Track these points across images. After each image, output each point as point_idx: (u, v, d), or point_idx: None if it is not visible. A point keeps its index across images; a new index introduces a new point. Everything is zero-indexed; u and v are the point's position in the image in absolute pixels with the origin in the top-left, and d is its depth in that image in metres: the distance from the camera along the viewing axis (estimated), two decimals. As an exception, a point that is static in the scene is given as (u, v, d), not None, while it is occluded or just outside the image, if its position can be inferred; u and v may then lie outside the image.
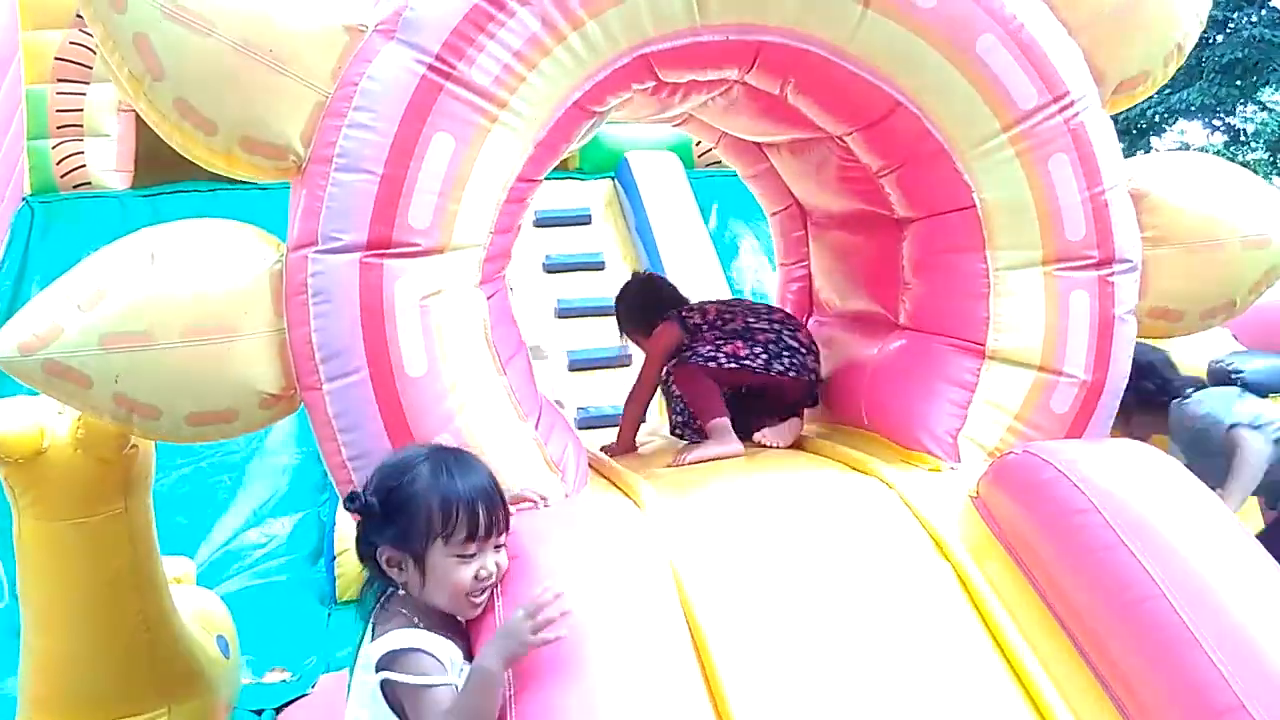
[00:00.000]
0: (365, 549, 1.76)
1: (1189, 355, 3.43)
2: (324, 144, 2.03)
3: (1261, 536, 2.29)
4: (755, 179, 3.41)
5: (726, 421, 2.72)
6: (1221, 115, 15.92)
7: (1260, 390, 3.34)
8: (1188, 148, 16.67)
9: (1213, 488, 2.18)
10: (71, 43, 6.33)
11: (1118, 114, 2.56)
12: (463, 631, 1.77)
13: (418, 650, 1.64)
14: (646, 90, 2.40)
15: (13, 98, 6.05)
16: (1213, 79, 13.67)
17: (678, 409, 2.96)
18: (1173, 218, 2.50)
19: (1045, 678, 1.92)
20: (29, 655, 2.68)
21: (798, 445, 2.78)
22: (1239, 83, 14.42)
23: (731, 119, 3.01)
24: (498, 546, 1.79)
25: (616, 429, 3.37)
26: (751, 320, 2.85)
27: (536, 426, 2.23)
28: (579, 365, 5.43)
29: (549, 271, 5.82)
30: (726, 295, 4.92)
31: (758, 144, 3.23)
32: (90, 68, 6.32)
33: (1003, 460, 2.28)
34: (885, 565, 2.14)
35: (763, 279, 6.01)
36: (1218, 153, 16.49)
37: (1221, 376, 3.36)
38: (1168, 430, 3.36)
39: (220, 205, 5.39)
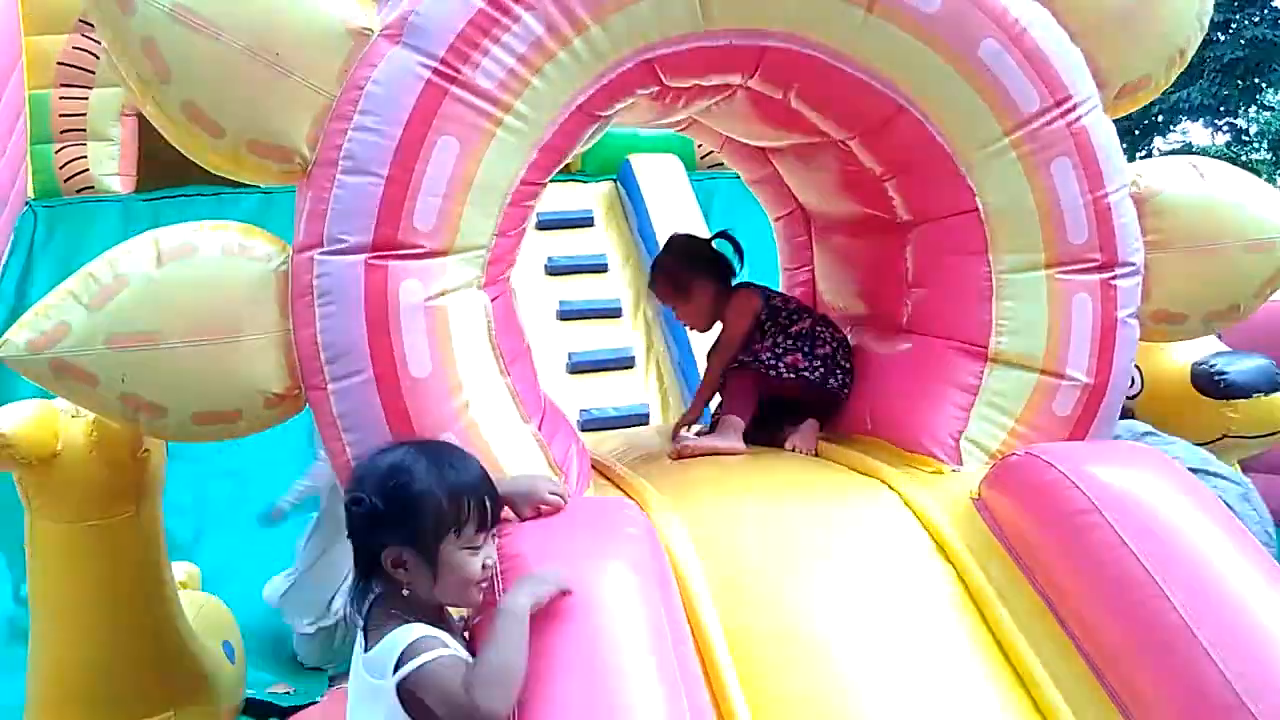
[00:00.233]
0: (368, 553, 1.73)
1: (1173, 356, 3.43)
2: (329, 147, 2.05)
3: None
4: (759, 184, 3.42)
5: (740, 422, 2.75)
6: (1224, 115, 15.89)
7: (1244, 391, 3.34)
8: (1191, 148, 16.62)
9: None
10: (74, 47, 6.33)
11: (1119, 115, 2.56)
12: (455, 628, 1.78)
13: (425, 638, 1.64)
14: (650, 95, 2.40)
15: (15, 102, 6.05)
16: (1214, 78, 13.67)
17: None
18: (1176, 221, 2.50)
19: (1047, 678, 1.93)
20: (38, 657, 2.69)
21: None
22: (1240, 83, 14.41)
23: (735, 124, 3.01)
24: (494, 535, 1.81)
25: (616, 430, 3.39)
26: (820, 329, 2.87)
27: (540, 428, 2.24)
28: (581, 367, 5.42)
29: (551, 274, 5.80)
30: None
31: (761, 148, 3.24)
32: (93, 72, 6.32)
33: (1004, 462, 2.28)
34: (887, 566, 2.15)
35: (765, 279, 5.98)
36: (1221, 153, 16.47)
37: (1205, 378, 3.36)
38: None
39: (223, 209, 5.40)
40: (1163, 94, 2.62)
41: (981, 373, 2.44)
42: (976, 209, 2.41)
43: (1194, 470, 2.42)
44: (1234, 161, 15.54)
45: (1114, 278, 2.41)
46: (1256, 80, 14.26)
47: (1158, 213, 2.49)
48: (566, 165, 2.39)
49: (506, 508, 1.95)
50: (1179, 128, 16.80)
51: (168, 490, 2.84)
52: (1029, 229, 2.39)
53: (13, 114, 5.98)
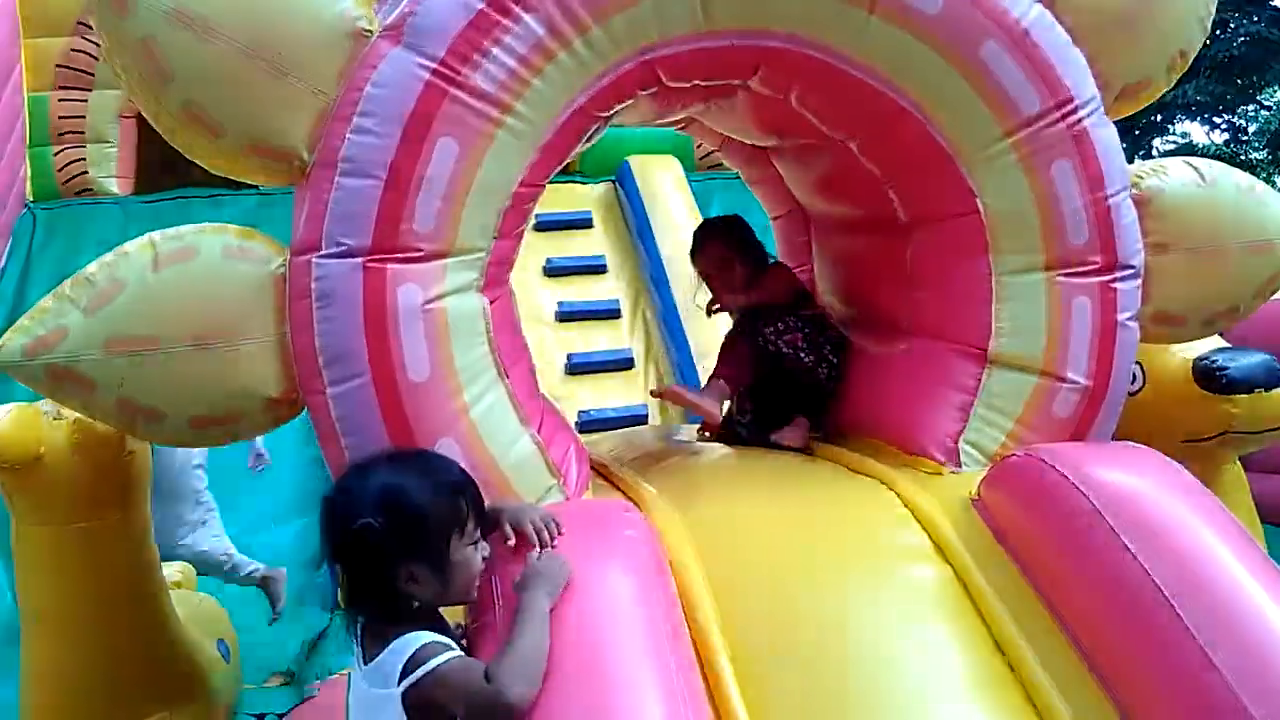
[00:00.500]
0: (377, 575, 1.69)
1: (1175, 353, 3.42)
2: (329, 148, 2.04)
3: None
4: (758, 184, 3.42)
5: (726, 389, 2.86)
6: (1222, 113, 15.85)
7: (1246, 387, 3.33)
8: (1192, 147, 16.60)
9: None
10: (73, 49, 6.34)
11: (1120, 117, 2.56)
12: (449, 628, 1.78)
13: (432, 643, 1.63)
14: (650, 95, 2.40)
15: (14, 104, 6.05)
16: (1210, 76, 13.64)
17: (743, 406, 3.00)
18: (1177, 223, 2.50)
19: (1046, 679, 1.92)
20: (29, 660, 2.67)
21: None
22: (1239, 81, 14.37)
23: (735, 124, 3.01)
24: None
25: (615, 431, 3.39)
26: (826, 321, 2.95)
27: (539, 430, 2.23)
28: (579, 369, 5.42)
29: (549, 275, 5.81)
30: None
31: (761, 148, 3.24)
32: (92, 74, 6.33)
33: (1004, 463, 2.28)
34: (886, 567, 2.15)
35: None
36: (1219, 151, 16.45)
37: (1207, 374, 3.36)
38: None
39: (221, 210, 5.41)
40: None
41: (981, 374, 2.44)
42: (977, 210, 2.40)
43: None
44: (1232, 160, 15.55)
45: (1114, 280, 2.41)
46: (1255, 79, 14.20)
47: (1158, 215, 2.49)
48: (565, 167, 2.38)
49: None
50: (1177, 128, 16.76)
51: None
52: (1029, 231, 2.38)
53: (12, 116, 5.99)
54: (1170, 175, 2.53)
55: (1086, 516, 2.00)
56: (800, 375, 2.84)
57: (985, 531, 2.18)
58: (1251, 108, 16.52)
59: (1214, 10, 2.51)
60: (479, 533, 1.79)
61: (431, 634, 1.66)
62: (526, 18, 2.06)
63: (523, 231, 2.30)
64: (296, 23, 2.02)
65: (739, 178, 3.59)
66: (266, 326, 2.07)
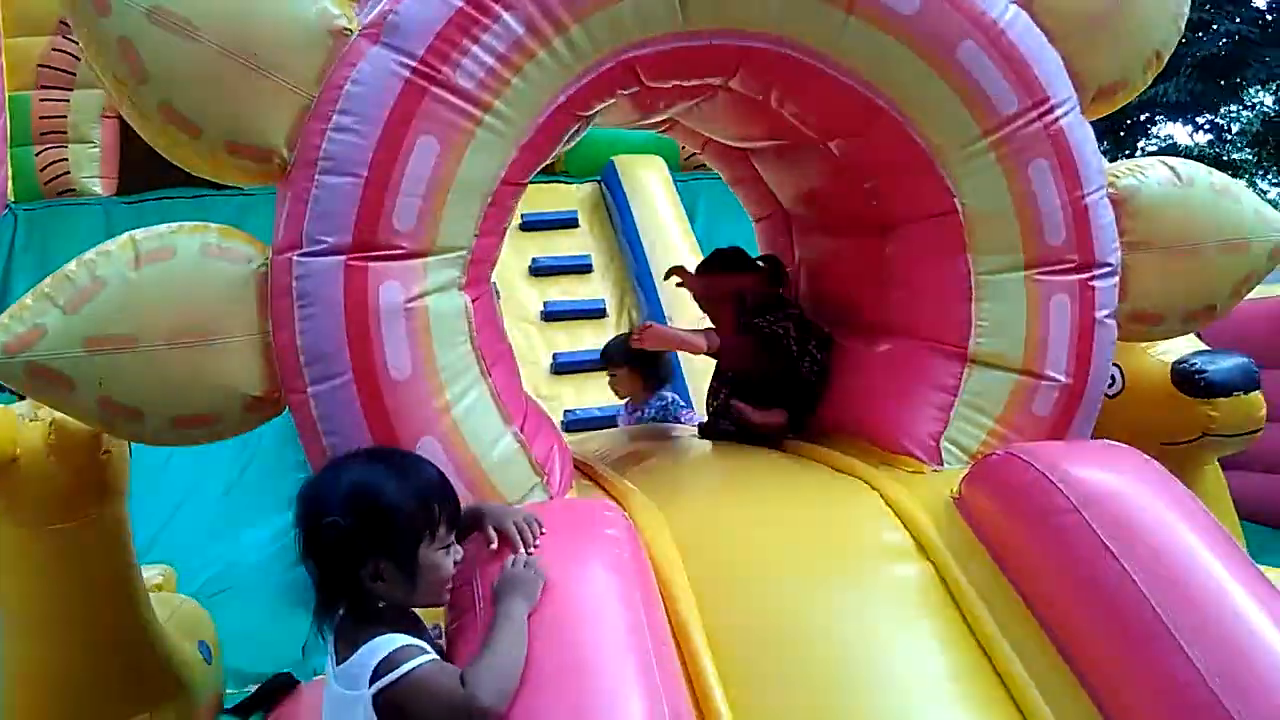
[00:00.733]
0: (341, 571, 1.70)
1: (1154, 356, 3.45)
2: (308, 147, 2.03)
3: None
4: (740, 185, 3.42)
5: (716, 339, 2.90)
6: (1203, 113, 15.89)
7: (1224, 390, 3.36)
8: (1175, 148, 16.66)
9: None
10: (55, 49, 6.31)
11: (1101, 116, 2.58)
12: (429, 634, 1.78)
13: (406, 646, 1.63)
14: (631, 95, 2.40)
15: (-5, 104, 6.03)
16: (1191, 75, 13.69)
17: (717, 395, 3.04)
18: (1152, 222, 2.52)
19: (1026, 677, 1.93)
20: (7, 662, 2.66)
21: (781, 447, 2.80)
22: (1221, 83, 14.41)
23: (716, 125, 3.02)
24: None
25: (600, 431, 3.39)
26: (812, 323, 2.97)
27: (522, 428, 2.23)
28: (565, 368, 5.42)
29: (534, 275, 5.80)
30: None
31: (742, 150, 3.25)
32: (74, 74, 6.30)
33: (984, 461, 2.29)
34: (868, 566, 2.16)
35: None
36: (1202, 152, 16.52)
37: (1185, 377, 3.38)
38: None
39: (205, 211, 5.34)
40: (1140, 92, 2.63)
41: (961, 373, 2.45)
42: (955, 210, 2.41)
43: None
44: (1216, 160, 15.61)
45: (1092, 278, 2.42)
46: (1237, 79, 14.23)
47: (1134, 214, 2.51)
48: (550, 166, 2.39)
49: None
50: (1158, 129, 16.81)
51: (139, 493, 2.82)
52: (1007, 230, 2.40)
53: (-8, 116, 5.95)
54: (1146, 175, 2.55)
55: (1065, 514, 2.01)
56: (785, 361, 2.85)
57: (966, 530, 2.19)
58: (1234, 108, 16.58)
59: (1187, 10, 2.52)
60: (452, 537, 1.78)
61: (405, 637, 1.65)
62: (506, 16, 2.06)
63: (505, 229, 2.30)
64: (276, 22, 2.02)
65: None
66: (247, 325, 2.07)
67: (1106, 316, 2.46)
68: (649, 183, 6.25)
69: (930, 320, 2.53)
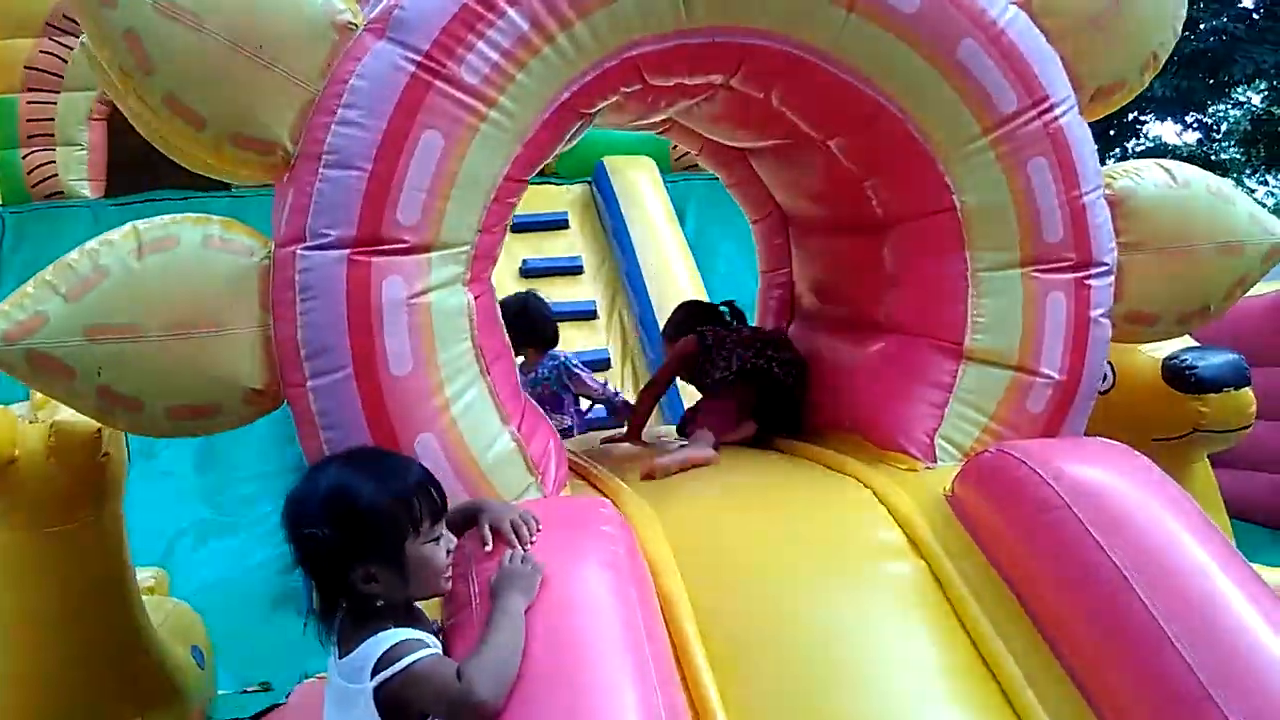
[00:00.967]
0: (333, 578, 1.70)
1: (1145, 352, 3.47)
2: (313, 140, 2.03)
3: None
4: (737, 186, 3.43)
5: (712, 436, 2.78)
6: (1191, 111, 15.94)
7: (1214, 386, 3.38)
8: (1165, 147, 16.74)
9: None
10: (42, 51, 6.28)
11: (1095, 118, 2.60)
12: (429, 626, 1.78)
13: (407, 640, 1.63)
14: (633, 93, 2.41)
15: (-18, 107, 6.00)
16: (1177, 72, 13.77)
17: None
18: (1148, 223, 2.53)
19: (1019, 673, 1.94)
20: (0, 664, 2.64)
21: (775, 446, 2.81)
22: (1209, 82, 14.46)
23: (716, 124, 3.03)
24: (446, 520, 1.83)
25: (595, 434, 3.39)
26: (748, 334, 3.02)
27: (519, 428, 2.23)
28: (556, 370, 5.41)
29: (525, 276, 5.80)
30: (703, 297, 4.96)
31: (740, 151, 3.26)
32: (61, 76, 6.27)
33: (976, 459, 2.30)
34: (862, 563, 2.16)
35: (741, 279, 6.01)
36: (1191, 151, 16.61)
37: (1176, 373, 3.41)
38: None
39: (192, 212, 5.35)
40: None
41: (956, 370, 2.46)
42: (954, 207, 2.43)
43: None
44: (1205, 160, 15.67)
45: (1087, 277, 2.44)
46: (1224, 76, 14.26)
47: (1130, 214, 2.53)
48: (541, 167, 2.39)
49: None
50: (1147, 128, 16.85)
51: (135, 494, 2.80)
52: (1005, 227, 2.41)
53: (-20, 119, 5.92)
54: (1143, 176, 2.57)
55: (1056, 510, 2.02)
56: (757, 376, 2.88)
57: (959, 527, 2.20)
58: (1222, 106, 16.66)
59: (1184, 12, 2.54)
60: (438, 529, 1.77)
61: (407, 631, 1.66)
62: (510, 12, 2.07)
63: (506, 226, 2.30)
64: (281, 15, 2.02)
65: (714, 178, 3.61)
66: (249, 317, 2.06)
67: (1101, 315, 2.47)
68: (639, 184, 6.26)
69: (926, 317, 2.55)
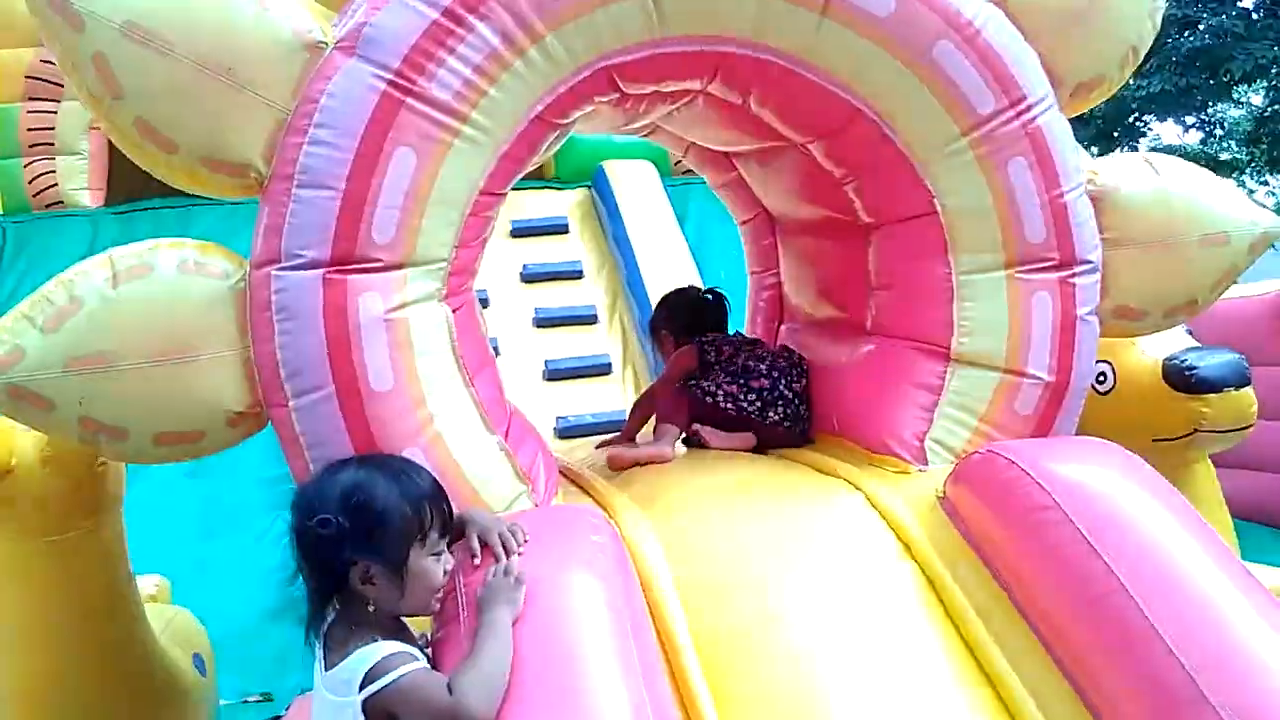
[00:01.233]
0: (332, 572, 1.71)
1: (1145, 353, 3.45)
2: (285, 161, 2.03)
3: None
4: (724, 188, 3.43)
5: (675, 430, 2.82)
6: (1193, 110, 15.89)
7: (1215, 386, 3.37)
8: (1167, 148, 16.69)
9: None
10: (43, 60, 6.28)
11: (1095, 116, 2.58)
12: (416, 642, 1.78)
13: (396, 654, 1.64)
14: (610, 102, 2.41)
15: (-19, 117, 6.02)
16: (1176, 68, 13.71)
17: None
18: (1131, 218, 2.52)
19: (1013, 675, 1.94)
20: (2, 676, 2.65)
21: (766, 451, 2.80)
22: (1211, 81, 14.42)
23: (697, 129, 3.03)
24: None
25: (594, 437, 3.39)
26: (751, 364, 2.89)
27: (506, 437, 2.23)
28: (557, 374, 5.41)
29: (526, 281, 5.78)
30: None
31: (725, 153, 3.25)
32: (61, 85, 6.27)
33: (967, 461, 2.29)
34: (854, 567, 2.16)
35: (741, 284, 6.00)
36: (1195, 151, 16.53)
37: (1176, 373, 3.39)
38: None
39: (194, 222, 5.36)
40: (1124, 87, 2.63)
41: (944, 373, 2.45)
42: (935, 210, 2.42)
43: None
44: (1210, 159, 15.59)
45: (1072, 275, 2.43)
46: (1224, 75, 14.21)
47: (1113, 210, 2.51)
48: (540, 172, 2.40)
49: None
50: (1149, 128, 16.80)
51: (134, 501, 2.82)
52: (987, 229, 2.40)
53: (-21, 129, 5.95)
54: (1124, 172, 2.55)
55: (1047, 511, 2.02)
56: (753, 420, 2.83)
57: (951, 530, 2.20)
58: (1223, 105, 16.60)
59: (1163, 5, 2.52)
60: (443, 544, 1.79)
61: (395, 644, 1.66)
62: (480, 27, 2.06)
63: (485, 239, 2.30)
64: (251, 37, 2.01)
65: (712, 182, 3.60)
66: (228, 340, 2.06)
67: (1088, 313, 2.46)
68: (639, 188, 6.24)
69: (913, 320, 2.54)
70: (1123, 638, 1.84)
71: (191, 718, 3.02)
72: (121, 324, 2.00)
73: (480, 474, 2.16)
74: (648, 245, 5.86)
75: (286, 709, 3.32)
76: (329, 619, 1.73)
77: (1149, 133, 16.80)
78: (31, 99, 6.30)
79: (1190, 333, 3.56)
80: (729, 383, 2.85)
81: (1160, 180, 2.56)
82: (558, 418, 5.10)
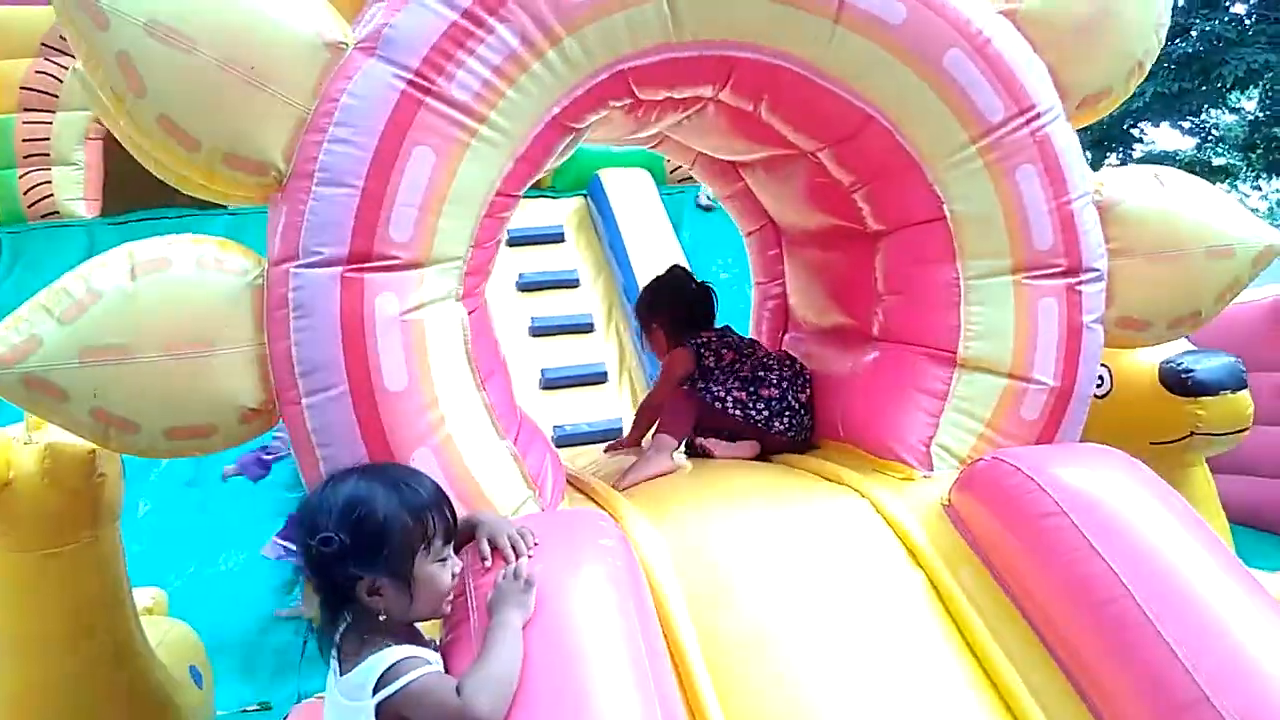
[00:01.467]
0: (339, 587, 1.71)
1: (1142, 356, 3.48)
2: (305, 159, 2.04)
3: None
4: (730, 199, 3.44)
5: (673, 441, 2.78)
6: (1187, 116, 15.96)
7: (1211, 389, 3.39)
8: (1162, 153, 16.76)
9: None
10: (37, 71, 6.29)
11: (1091, 123, 2.61)
12: (426, 641, 1.79)
13: (409, 658, 1.64)
14: (623, 108, 2.43)
15: (-23, 128, 6.01)
16: (1169, 74, 13.80)
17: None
18: (1137, 228, 2.54)
19: (1019, 681, 1.95)
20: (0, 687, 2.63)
21: (771, 458, 2.81)
22: (1204, 87, 14.49)
23: (707, 138, 3.04)
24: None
25: (591, 446, 3.39)
26: (761, 374, 2.89)
27: (515, 442, 2.24)
28: (554, 383, 5.42)
29: (522, 290, 5.80)
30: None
31: (732, 164, 3.27)
32: (56, 96, 6.28)
33: (972, 467, 2.30)
34: (860, 574, 2.16)
35: (736, 290, 6.03)
36: (1191, 158, 16.64)
37: (1173, 376, 3.41)
38: None
39: (192, 232, 5.35)
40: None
41: (950, 378, 2.47)
42: (944, 216, 2.44)
43: None
44: (1204, 165, 15.65)
45: (1079, 283, 2.45)
46: (1216, 80, 14.30)
47: (1119, 221, 2.54)
48: (536, 181, 2.40)
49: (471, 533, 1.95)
50: (1143, 134, 16.87)
51: (131, 514, 2.80)
52: (995, 235, 2.43)
53: (-26, 139, 5.94)
54: (1130, 183, 2.58)
55: (1052, 518, 2.03)
56: (759, 429, 2.83)
57: (956, 536, 2.21)
58: (1217, 110, 16.70)
59: (1168, 20, 2.56)
60: (448, 550, 1.78)
61: (407, 648, 1.66)
62: (500, 28, 2.08)
63: (499, 241, 2.31)
64: (272, 35, 2.02)
65: (708, 190, 3.62)
66: (243, 337, 2.06)
67: (1094, 321, 2.48)
68: (635, 196, 6.26)
69: (919, 325, 2.56)
70: (1127, 643, 1.85)
71: (187, 728, 3.00)
72: (138, 317, 2.00)
73: (489, 477, 2.16)
74: (643, 253, 5.87)
75: (284, 717, 3.31)
76: (342, 628, 1.73)
77: (1144, 139, 16.87)
78: (27, 110, 6.31)
79: (1187, 336, 3.59)
80: (739, 389, 2.85)
81: (1166, 193, 2.59)
82: (554, 427, 5.10)
